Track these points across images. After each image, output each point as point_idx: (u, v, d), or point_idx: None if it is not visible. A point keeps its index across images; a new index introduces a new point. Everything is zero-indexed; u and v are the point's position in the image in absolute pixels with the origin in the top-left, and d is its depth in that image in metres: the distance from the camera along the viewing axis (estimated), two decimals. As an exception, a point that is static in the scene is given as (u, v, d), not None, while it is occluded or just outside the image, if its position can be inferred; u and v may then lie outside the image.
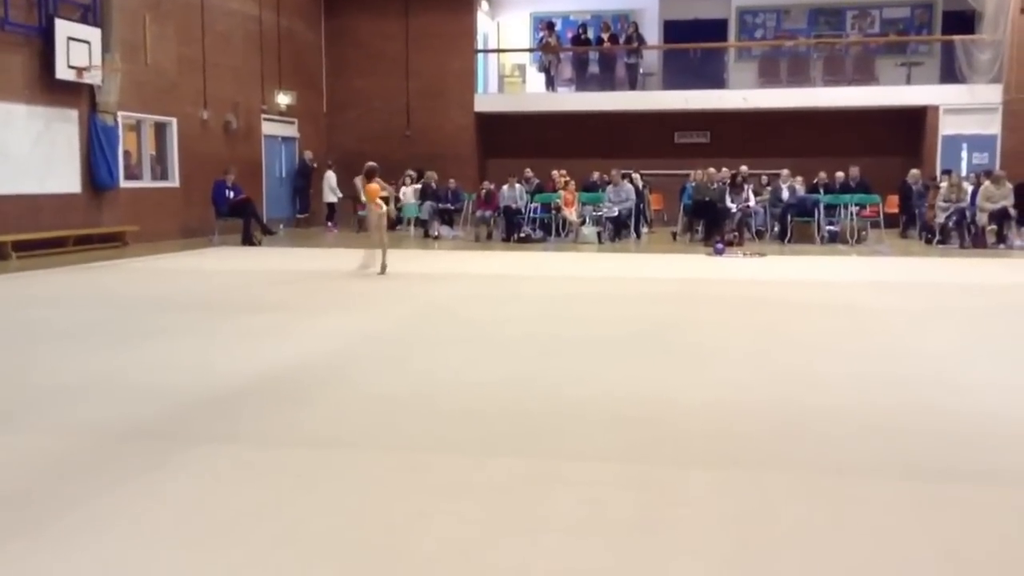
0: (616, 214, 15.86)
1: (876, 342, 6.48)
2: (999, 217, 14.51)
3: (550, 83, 20.75)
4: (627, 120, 19.92)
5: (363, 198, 10.66)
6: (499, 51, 22.08)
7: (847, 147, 18.46)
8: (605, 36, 20.48)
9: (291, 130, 19.52)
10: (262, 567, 2.74)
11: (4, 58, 12.42)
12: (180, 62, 15.81)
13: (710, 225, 15.35)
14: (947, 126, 18.26)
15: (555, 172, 17.17)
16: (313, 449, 3.92)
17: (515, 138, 20.56)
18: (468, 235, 16.86)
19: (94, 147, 13.82)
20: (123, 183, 14.59)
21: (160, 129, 15.79)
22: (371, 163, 10.85)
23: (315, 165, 19.30)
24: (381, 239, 10.60)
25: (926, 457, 3.82)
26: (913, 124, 18.78)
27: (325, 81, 20.70)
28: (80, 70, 13.23)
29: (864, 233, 15.64)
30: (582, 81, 20.73)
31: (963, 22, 19.13)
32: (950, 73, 18.36)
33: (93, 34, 13.52)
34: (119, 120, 14.34)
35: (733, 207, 15.47)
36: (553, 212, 16.48)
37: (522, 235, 15.74)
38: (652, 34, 20.85)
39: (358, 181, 11.01)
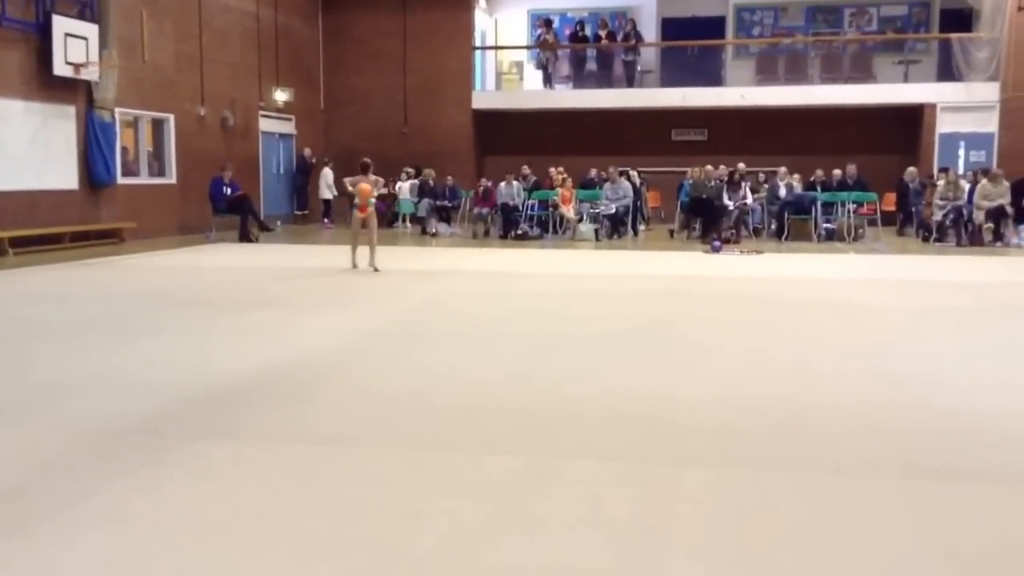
0: (613, 211, 15.85)
1: (873, 340, 6.48)
2: (996, 215, 14.53)
3: (548, 80, 20.75)
4: (624, 117, 19.92)
5: (357, 199, 10.66)
6: (497, 48, 22.08)
7: (844, 145, 18.46)
8: (603, 33, 20.46)
9: (288, 127, 19.51)
10: (260, 563, 2.74)
11: (1, 54, 12.40)
12: (177, 59, 15.79)
13: (707, 223, 15.36)
14: (944, 124, 18.28)
15: (552, 169, 17.18)
16: (311, 446, 3.92)
17: (512, 135, 20.55)
18: (465, 232, 16.85)
19: (91, 143, 13.80)
20: (120, 180, 14.58)
21: (157, 126, 15.77)
22: (365, 159, 10.97)
23: (314, 162, 19.31)
24: (370, 237, 10.63)
25: (924, 455, 3.82)
26: (910, 122, 18.80)
27: (322, 78, 20.68)
28: (77, 66, 13.21)
29: (861, 231, 15.65)
30: (580, 78, 20.73)
31: (961, 20, 19.16)
32: (947, 71, 18.38)
33: (90, 30, 13.50)
34: (116, 116, 14.33)
35: (730, 205, 15.48)
36: (550, 209, 16.48)
37: (519, 232, 15.74)
38: (650, 31, 20.84)
39: (347, 182, 11.08)
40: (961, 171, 16.94)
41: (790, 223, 15.57)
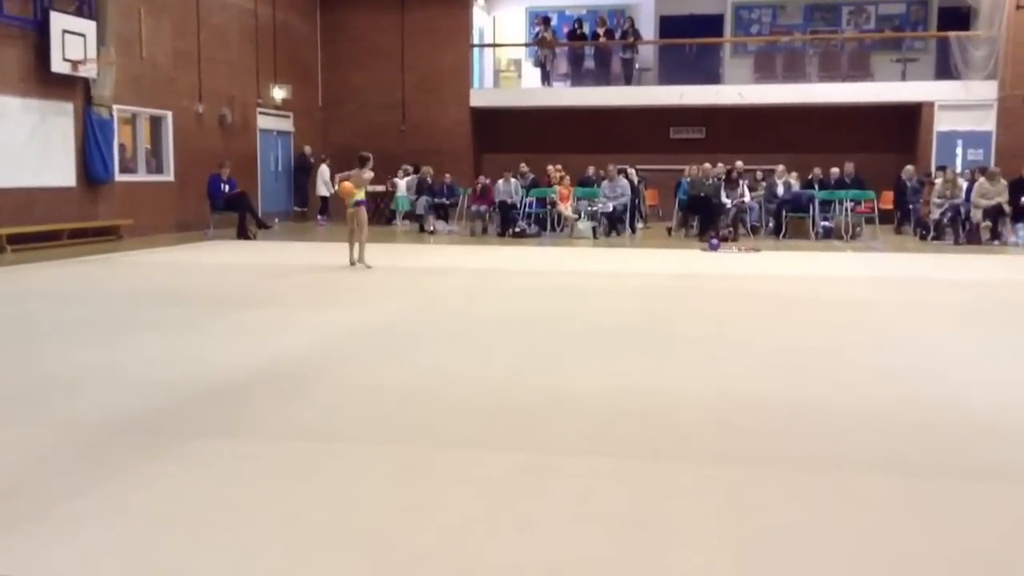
0: (611, 209, 15.85)
1: (870, 337, 6.50)
2: (993, 214, 14.54)
3: (546, 78, 20.74)
4: (623, 115, 19.92)
5: (341, 195, 10.64)
6: (495, 46, 22.08)
7: (842, 143, 18.48)
8: (601, 31, 20.46)
9: (286, 124, 19.49)
10: (259, 559, 2.74)
11: (-1, 51, 12.40)
12: (175, 56, 15.77)
13: (705, 220, 15.36)
14: (942, 122, 18.29)
15: (550, 167, 17.17)
16: (311, 442, 3.92)
17: (510, 133, 20.55)
18: (463, 230, 16.85)
19: (89, 140, 13.79)
20: (118, 176, 14.56)
21: (155, 123, 15.75)
22: (364, 152, 10.95)
23: (314, 159, 19.30)
24: (360, 233, 10.59)
25: (921, 453, 3.83)
26: (908, 120, 18.81)
27: (320, 75, 20.67)
28: (75, 63, 13.20)
29: (859, 229, 15.65)
30: (578, 76, 20.72)
31: (958, 18, 19.17)
32: (945, 69, 18.38)
33: (88, 27, 13.48)
34: (114, 113, 14.31)
35: (728, 202, 15.48)
36: (548, 207, 16.47)
37: (517, 230, 15.74)
38: (648, 29, 20.85)
39: (339, 178, 11.07)
40: (959, 169, 16.95)
41: (788, 221, 15.58)
